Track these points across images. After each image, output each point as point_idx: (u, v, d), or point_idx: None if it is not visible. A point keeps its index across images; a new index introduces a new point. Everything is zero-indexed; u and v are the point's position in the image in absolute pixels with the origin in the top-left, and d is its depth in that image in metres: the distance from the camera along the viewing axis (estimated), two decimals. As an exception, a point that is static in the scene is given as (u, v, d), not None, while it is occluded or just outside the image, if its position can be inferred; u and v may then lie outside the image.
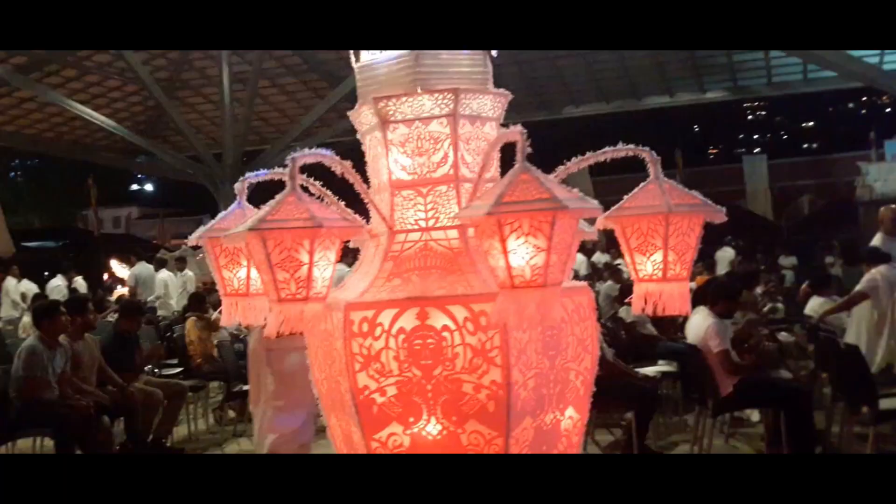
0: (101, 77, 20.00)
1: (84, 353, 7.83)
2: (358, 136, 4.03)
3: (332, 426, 3.87)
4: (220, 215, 3.87)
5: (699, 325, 7.39)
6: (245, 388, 9.10)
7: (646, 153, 3.65)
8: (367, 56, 3.96)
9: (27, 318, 11.40)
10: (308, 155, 3.46)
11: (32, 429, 7.40)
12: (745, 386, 7.12)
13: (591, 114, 24.27)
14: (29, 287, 15.84)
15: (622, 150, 3.68)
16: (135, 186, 42.63)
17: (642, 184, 3.67)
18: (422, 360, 3.43)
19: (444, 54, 3.83)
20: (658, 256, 3.64)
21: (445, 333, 3.41)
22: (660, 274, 3.63)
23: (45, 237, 28.32)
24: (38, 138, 22.82)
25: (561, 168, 3.61)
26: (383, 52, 3.91)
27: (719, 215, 3.55)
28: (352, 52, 4.11)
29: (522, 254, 3.11)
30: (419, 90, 3.76)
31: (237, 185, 3.82)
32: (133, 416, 7.92)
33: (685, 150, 25.19)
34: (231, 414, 9.75)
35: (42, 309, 7.91)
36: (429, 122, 3.77)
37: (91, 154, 23.52)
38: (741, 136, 61.72)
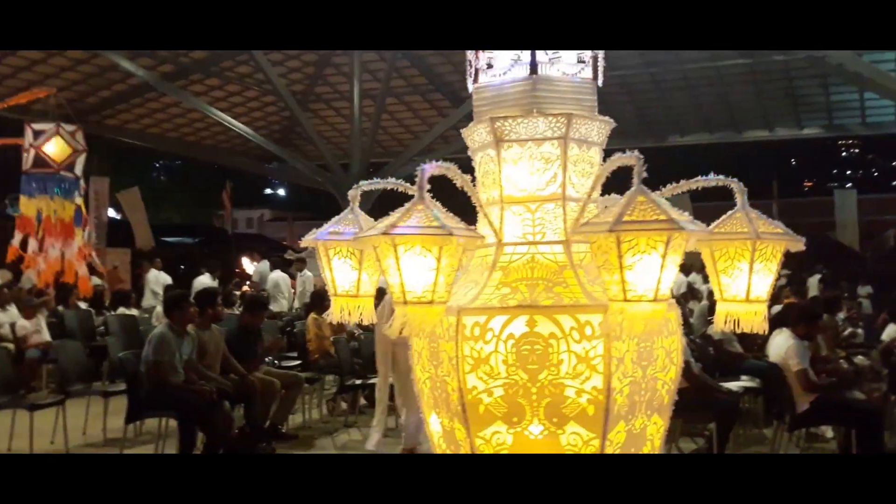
0: (241, 87, 20.38)
1: (210, 342, 7.85)
2: (469, 153, 4.06)
3: (431, 423, 3.88)
4: (333, 220, 3.90)
5: (780, 345, 7.47)
6: (357, 382, 9.15)
7: (734, 184, 3.73)
8: (485, 78, 3.97)
9: (159, 308, 11.60)
10: (434, 167, 3.51)
11: (159, 410, 7.41)
12: (821, 404, 7.16)
13: (695, 143, 23.77)
14: (166, 279, 16.14)
15: (713, 180, 3.75)
16: (268, 190, 43.58)
17: (730, 212, 3.74)
18: (528, 365, 3.44)
19: (559, 81, 3.84)
20: (743, 279, 3.70)
21: (552, 341, 3.44)
22: (742, 295, 3.71)
23: (184, 233, 29.04)
24: (180, 142, 23.38)
25: (657, 192, 3.50)
26: (502, 75, 3.91)
27: (799, 244, 3.65)
28: (469, 73, 4.13)
29: (637, 270, 3.16)
30: (535, 112, 3.77)
31: (351, 192, 3.88)
32: (252, 402, 7.91)
33: (782, 181, 24.72)
34: (343, 406, 9.74)
35: (173, 299, 7.97)
36: (541, 144, 3.80)
37: (228, 158, 24.00)
38: (835, 171, 60.72)
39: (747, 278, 3.68)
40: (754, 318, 3.74)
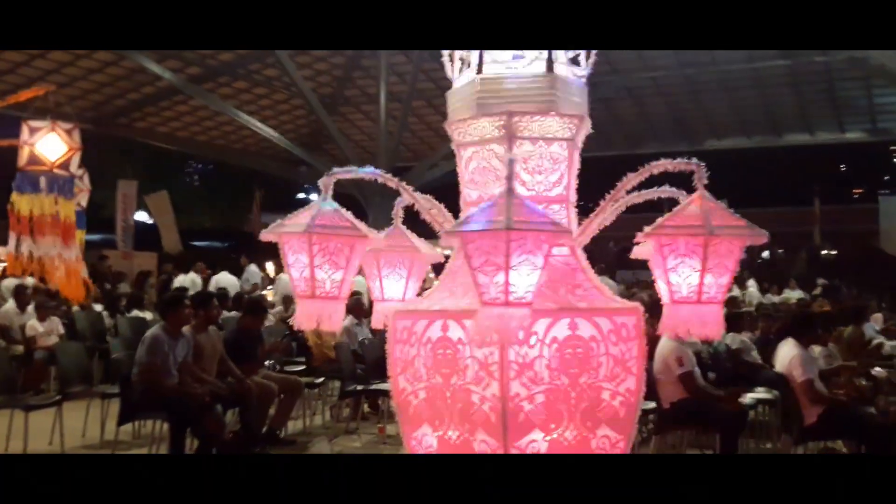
0: (269, 90, 20.55)
1: (206, 344, 7.90)
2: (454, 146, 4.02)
3: (420, 437, 3.67)
4: (295, 213, 3.74)
5: (785, 354, 7.38)
6: (359, 388, 9.11)
7: (696, 167, 3.71)
8: (492, 69, 3.91)
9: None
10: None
11: (150, 412, 7.49)
12: (830, 417, 7.02)
13: (733, 147, 23.46)
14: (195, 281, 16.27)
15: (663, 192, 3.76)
16: (301, 195, 43.81)
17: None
18: (571, 369, 3.45)
19: (506, 79, 3.84)
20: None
21: (593, 343, 3.47)
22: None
23: (213, 237, 29.40)
24: (209, 145, 23.64)
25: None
26: (514, 68, 3.88)
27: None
28: (463, 64, 4.10)
29: (681, 272, 3.38)
30: (552, 111, 3.78)
31: (323, 181, 3.77)
32: (247, 406, 7.96)
33: (828, 188, 24.31)
34: (347, 412, 9.74)
35: (167, 301, 8.06)
36: (551, 143, 3.81)
37: (257, 162, 24.19)
38: (886, 177, 59.41)
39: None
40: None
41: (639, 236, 3.61)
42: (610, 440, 3.52)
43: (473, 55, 3.96)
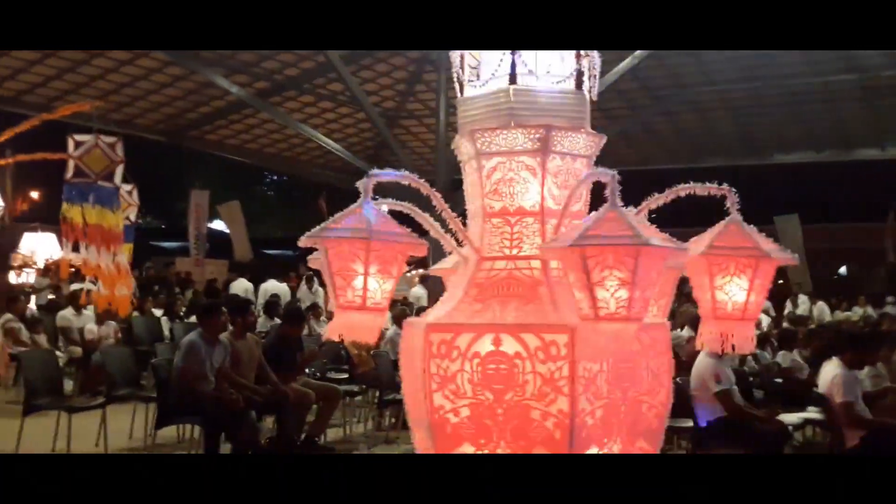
0: (334, 104, 20.73)
1: (244, 351, 7.97)
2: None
3: (417, 440, 3.84)
4: (337, 215, 3.50)
5: (827, 374, 7.20)
6: (399, 397, 9.07)
7: (728, 193, 3.79)
8: (469, 91, 3.95)
9: (261, 318, 11.98)
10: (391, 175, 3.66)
11: (186, 417, 7.59)
12: (872, 440, 6.75)
13: (801, 161, 22.85)
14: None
15: (691, 187, 3.76)
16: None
17: (720, 224, 3.74)
18: (494, 385, 3.39)
19: (539, 92, 3.81)
20: (741, 296, 3.65)
21: (517, 360, 3.37)
22: (739, 314, 3.66)
23: (284, 246, 29.70)
24: (277, 157, 23.94)
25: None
26: (484, 87, 3.89)
27: (793, 261, 3.78)
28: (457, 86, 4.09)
29: (607, 286, 3.09)
30: (513, 125, 3.75)
31: (362, 182, 3.55)
32: (284, 413, 8.00)
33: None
34: (390, 421, 9.73)
35: (204, 308, 8.16)
36: (519, 156, 3.76)
37: (323, 174, 24.43)
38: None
39: (746, 295, 3.60)
40: (745, 338, 3.68)
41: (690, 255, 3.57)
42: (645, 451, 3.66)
43: (491, 63, 3.93)
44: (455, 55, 3.98)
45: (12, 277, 14.90)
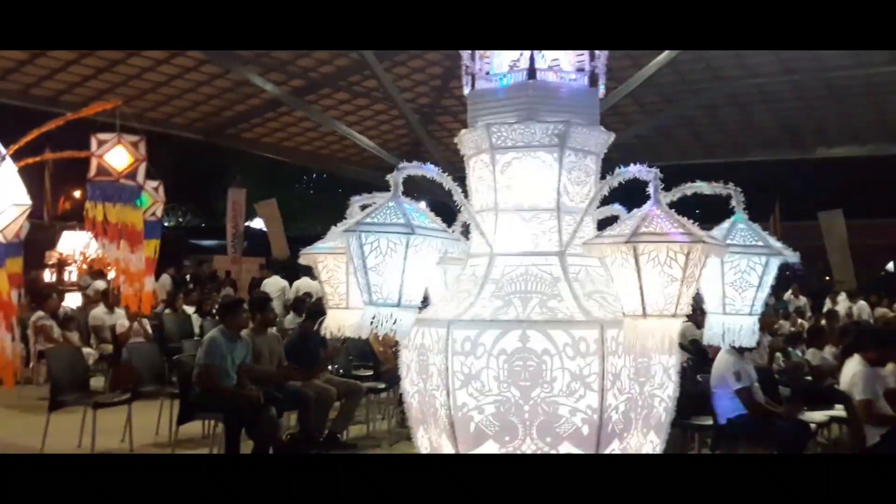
0: (369, 101, 20.76)
1: (263, 347, 8.05)
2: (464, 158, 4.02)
3: (419, 438, 3.82)
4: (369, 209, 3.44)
5: (848, 371, 7.08)
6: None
7: (733, 192, 3.69)
8: (481, 84, 3.94)
9: (290, 316, 12.06)
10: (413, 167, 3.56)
11: (207, 412, 7.66)
12: (893, 438, 6.62)
13: (845, 155, 22.44)
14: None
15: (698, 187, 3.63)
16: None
17: (727, 223, 3.70)
18: (521, 382, 3.39)
19: (557, 87, 3.82)
20: (750, 293, 3.66)
21: (546, 357, 3.38)
22: (746, 310, 3.68)
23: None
24: (313, 155, 24.01)
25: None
26: (499, 81, 3.91)
27: (793, 258, 3.66)
28: (465, 80, 4.07)
29: (657, 283, 3.12)
30: (531, 119, 3.74)
31: (393, 176, 3.48)
32: (305, 409, 8.05)
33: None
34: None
35: (225, 305, 8.24)
36: (536, 151, 3.77)
37: (360, 172, 24.46)
38: None
39: (755, 292, 3.63)
40: (748, 332, 3.67)
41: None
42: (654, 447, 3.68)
43: (505, 57, 3.94)
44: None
45: (47, 275, 15.15)
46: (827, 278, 23.68)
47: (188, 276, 19.13)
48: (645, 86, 16.97)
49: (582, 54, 3.94)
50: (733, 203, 3.71)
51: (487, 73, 4.05)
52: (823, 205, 21.99)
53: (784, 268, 3.84)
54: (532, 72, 3.83)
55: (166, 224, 41.12)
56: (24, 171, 7.38)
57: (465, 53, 4.03)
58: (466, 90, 4.11)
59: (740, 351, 6.95)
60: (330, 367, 9.02)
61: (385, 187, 3.49)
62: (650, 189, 3.28)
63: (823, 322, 13.60)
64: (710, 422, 7.22)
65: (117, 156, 7.19)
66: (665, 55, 15.60)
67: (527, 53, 3.84)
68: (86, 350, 10.67)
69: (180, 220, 41.29)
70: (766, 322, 11.30)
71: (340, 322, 3.86)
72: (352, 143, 21.42)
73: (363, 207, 3.69)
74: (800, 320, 15.15)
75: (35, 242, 13.95)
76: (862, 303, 18.03)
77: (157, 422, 8.89)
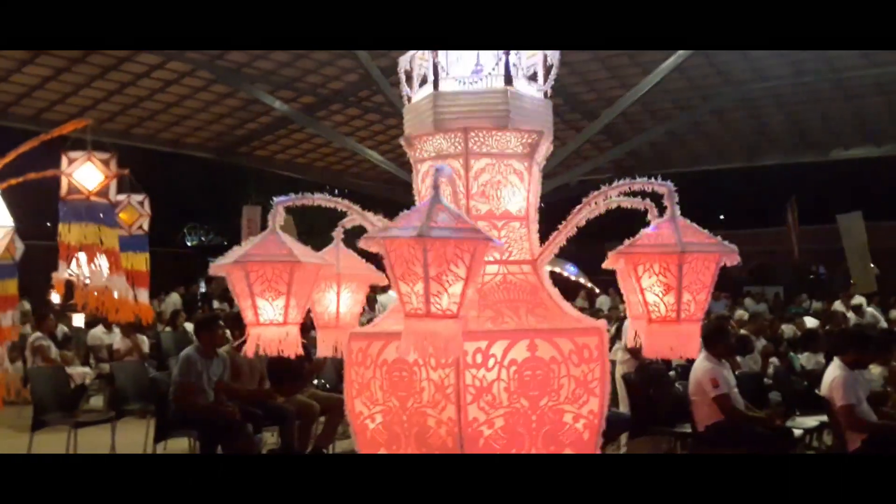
0: (380, 116, 20.72)
1: (244, 364, 8.00)
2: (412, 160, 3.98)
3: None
4: (251, 240, 3.66)
5: (828, 376, 6.87)
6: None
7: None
8: (448, 86, 3.81)
9: None
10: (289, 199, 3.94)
11: (183, 429, 7.64)
12: (874, 443, 6.47)
13: (862, 157, 22.07)
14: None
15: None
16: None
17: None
18: (530, 392, 3.39)
19: (530, 97, 3.80)
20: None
21: (553, 365, 3.42)
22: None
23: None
24: (327, 171, 24.06)
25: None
26: (469, 83, 3.80)
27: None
28: (405, 81, 4.00)
29: (655, 291, 3.24)
30: (510, 127, 3.72)
31: (272, 213, 3.67)
32: (286, 425, 7.99)
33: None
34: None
35: (201, 322, 8.21)
36: (509, 159, 3.76)
37: (372, 187, 24.45)
38: None
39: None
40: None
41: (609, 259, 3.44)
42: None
43: (469, 61, 3.86)
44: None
45: (55, 297, 15.23)
46: (852, 282, 23.27)
47: (198, 294, 19.15)
48: (655, 92, 16.78)
49: (534, 55, 3.87)
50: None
51: (447, 76, 3.89)
52: (842, 208, 21.60)
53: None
54: (508, 78, 3.75)
55: (188, 244, 41.59)
56: (10, 192, 7.35)
57: (428, 53, 3.88)
58: (412, 90, 3.99)
59: (718, 358, 6.85)
60: (315, 382, 8.94)
61: (398, 202, 3.73)
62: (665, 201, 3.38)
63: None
64: (689, 429, 7.08)
65: (87, 173, 7.09)
66: (672, 60, 15.45)
67: (491, 59, 3.76)
68: (84, 369, 10.71)
69: (202, 238, 41.56)
70: (761, 327, 11.16)
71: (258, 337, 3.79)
72: (364, 158, 21.41)
73: (287, 209, 3.80)
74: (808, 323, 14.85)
75: (46, 263, 14.05)
76: (871, 310, 17.56)
77: (145, 440, 8.86)
